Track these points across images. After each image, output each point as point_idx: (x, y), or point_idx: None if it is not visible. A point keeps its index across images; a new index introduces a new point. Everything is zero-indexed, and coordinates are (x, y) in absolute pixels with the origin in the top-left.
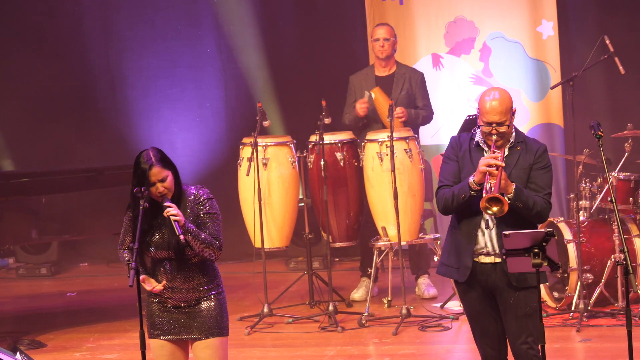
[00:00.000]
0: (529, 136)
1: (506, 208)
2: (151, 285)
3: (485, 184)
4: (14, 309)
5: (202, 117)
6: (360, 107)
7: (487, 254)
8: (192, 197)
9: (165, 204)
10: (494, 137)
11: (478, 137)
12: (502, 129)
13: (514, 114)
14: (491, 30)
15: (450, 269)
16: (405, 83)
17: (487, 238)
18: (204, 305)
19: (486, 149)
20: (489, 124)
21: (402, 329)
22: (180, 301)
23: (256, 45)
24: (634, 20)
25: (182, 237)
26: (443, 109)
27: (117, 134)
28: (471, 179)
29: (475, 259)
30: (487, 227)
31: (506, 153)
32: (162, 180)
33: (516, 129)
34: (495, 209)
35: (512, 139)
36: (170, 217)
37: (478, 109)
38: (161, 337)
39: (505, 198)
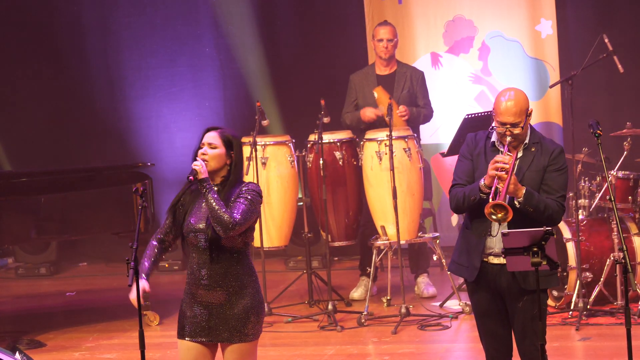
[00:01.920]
0: (545, 137)
1: (510, 215)
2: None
3: (493, 187)
4: (13, 308)
5: (201, 116)
6: (369, 116)
7: (497, 255)
8: (242, 186)
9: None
10: (508, 139)
11: (494, 136)
12: (517, 131)
13: (529, 115)
14: (490, 29)
15: (460, 267)
16: (407, 82)
17: (497, 239)
18: (235, 307)
19: (502, 149)
20: (503, 124)
21: (402, 328)
22: (212, 299)
23: (255, 44)
24: (633, 19)
25: (190, 177)
26: (442, 108)
27: (116, 133)
28: (482, 182)
29: (485, 259)
30: (490, 234)
31: (520, 154)
32: (211, 145)
33: (533, 129)
34: (500, 215)
35: (527, 139)
36: (193, 165)
37: (493, 108)
38: (187, 339)
39: (513, 204)
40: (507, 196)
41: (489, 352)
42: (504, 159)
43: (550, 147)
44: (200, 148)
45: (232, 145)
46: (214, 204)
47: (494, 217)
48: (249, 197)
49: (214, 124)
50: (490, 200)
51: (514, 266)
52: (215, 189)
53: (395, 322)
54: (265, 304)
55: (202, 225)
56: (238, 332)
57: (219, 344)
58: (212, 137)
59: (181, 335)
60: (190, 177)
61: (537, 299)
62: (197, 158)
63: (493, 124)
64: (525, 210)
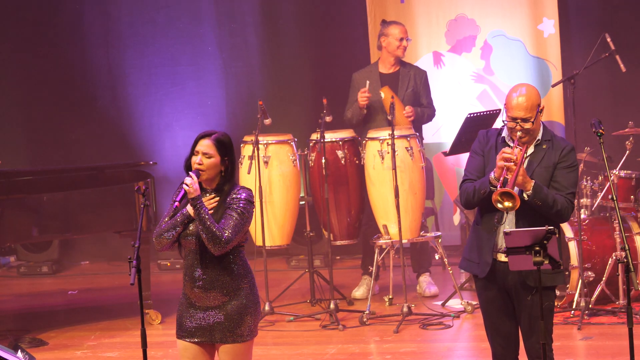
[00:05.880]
0: (557, 135)
1: (518, 204)
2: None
3: (501, 178)
4: (15, 307)
5: (203, 115)
6: (362, 98)
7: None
8: (233, 194)
9: (190, 172)
10: (518, 134)
11: (505, 132)
12: (527, 126)
13: (541, 111)
14: (492, 28)
15: (471, 263)
16: (411, 81)
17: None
18: (230, 307)
19: (512, 144)
20: (514, 119)
21: (403, 327)
22: (208, 300)
23: (257, 43)
24: (635, 18)
25: (176, 203)
26: (444, 107)
27: (118, 132)
28: (492, 175)
29: (494, 257)
30: (499, 223)
31: (532, 150)
32: (206, 155)
33: (545, 127)
34: (507, 203)
35: (539, 136)
36: (183, 183)
37: (505, 104)
38: (186, 339)
39: (518, 194)
40: (516, 187)
41: (495, 349)
42: (512, 150)
43: (561, 144)
44: (193, 155)
45: (226, 151)
46: (208, 223)
47: (500, 205)
48: (241, 210)
49: (216, 123)
50: (498, 188)
51: (516, 265)
52: (211, 196)
53: (397, 321)
54: (267, 303)
55: (194, 229)
56: (232, 332)
57: (216, 345)
58: (207, 145)
59: (179, 335)
60: (177, 204)
61: (539, 298)
62: (190, 173)
63: (504, 119)
64: (534, 203)
